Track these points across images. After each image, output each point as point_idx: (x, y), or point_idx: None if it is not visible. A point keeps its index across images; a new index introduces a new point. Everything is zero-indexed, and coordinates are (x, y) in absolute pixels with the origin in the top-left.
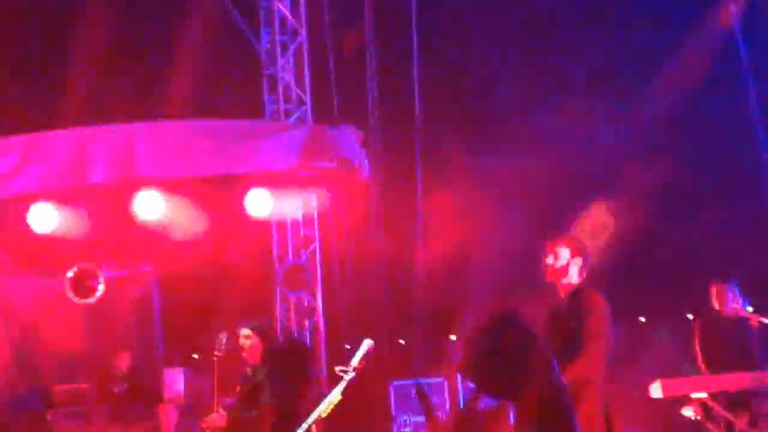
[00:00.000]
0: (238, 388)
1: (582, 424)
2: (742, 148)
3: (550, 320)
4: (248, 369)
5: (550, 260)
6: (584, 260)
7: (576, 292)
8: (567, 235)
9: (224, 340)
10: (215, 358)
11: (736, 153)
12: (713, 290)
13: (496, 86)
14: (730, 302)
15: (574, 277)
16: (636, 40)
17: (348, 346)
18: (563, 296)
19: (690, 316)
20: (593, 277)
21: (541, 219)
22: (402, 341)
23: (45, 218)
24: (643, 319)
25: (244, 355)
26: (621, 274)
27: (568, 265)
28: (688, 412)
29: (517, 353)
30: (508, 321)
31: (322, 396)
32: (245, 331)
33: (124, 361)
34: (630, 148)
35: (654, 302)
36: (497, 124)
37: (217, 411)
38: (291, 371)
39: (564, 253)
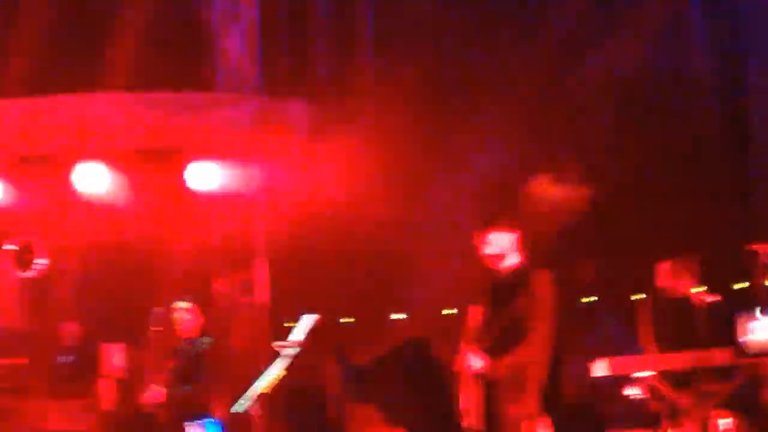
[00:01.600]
0: (172, 363)
1: (538, 403)
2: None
3: (492, 297)
4: (182, 343)
5: (487, 250)
6: (519, 234)
7: (520, 270)
8: (495, 219)
9: (160, 315)
10: (153, 334)
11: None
12: (660, 268)
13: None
14: (677, 280)
15: (513, 256)
16: None
17: (292, 323)
18: (504, 273)
19: (635, 296)
20: (536, 255)
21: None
22: (349, 320)
23: None
24: (585, 300)
25: (179, 329)
26: (564, 254)
27: (501, 250)
28: (632, 390)
29: None
30: None
31: (263, 372)
32: (184, 305)
33: (72, 332)
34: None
35: (597, 282)
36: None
37: (154, 387)
38: None
39: (497, 238)
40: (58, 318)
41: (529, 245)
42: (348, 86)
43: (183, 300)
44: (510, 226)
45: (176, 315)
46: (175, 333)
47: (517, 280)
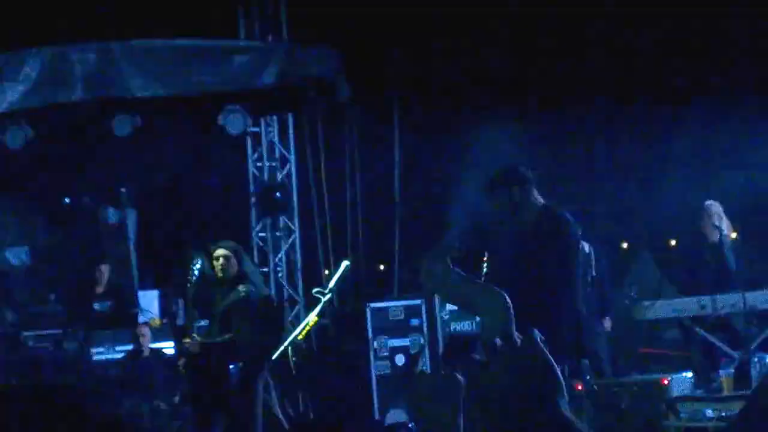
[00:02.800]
0: (211, 310)
1: (553, 342)
2: None
3: (517, 242)
4: (219, 291)
5: (497, 207)
6: (523, 184)
7: (541, 213)
8: (496, 178)
9: (198, 267)
10: (189, 285)
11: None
12: (701, 210)
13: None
14: (715, 222)
15: (525, 203)
16: None
17: (326, 271)
18: (530, 222)
19: (672, 241)
20: (576, 200)
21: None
22: (381, 266)
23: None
24: (625, 245)
25: (219, 276)
26: (605, 199)
27: (512, 202)
28: (669, 334)
29: None
30: None
31: (298, 319)
32: (222, 252)
33: (104, 274)
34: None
35: (635, 227)
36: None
37: (191, 336)
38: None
39: (501, 194)
40: (98, 260)
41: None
42: (376, 32)
43: (221, 246)
44: (509, 179)
45: (215, 261)
46: (213, 280)
47: (539, 222)
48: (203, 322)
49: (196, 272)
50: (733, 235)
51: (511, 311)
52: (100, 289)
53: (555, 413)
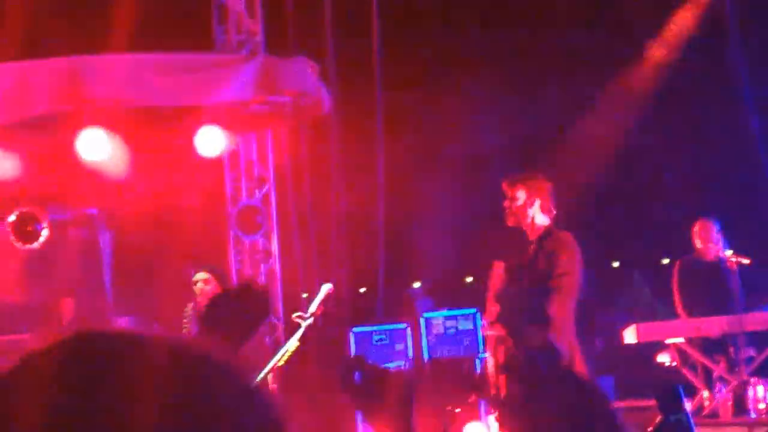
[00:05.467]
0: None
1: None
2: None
3: (515, 265)
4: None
5: (507, 203)
6: (544, 200)
7: (545, 234)
8: (524, 175)
9: (191, 312)
10: (184, 327)
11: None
12: (697, 227)
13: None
14: (714, 240)
15: (537, 217)
16: None
17: (305, 294)
18: (532, 239)
19: (665, 261)
20: (564, 220)
21: (506, 162)
22: (363, 289)
23: None
24: (616, 264)
25: (200, 301)
26: (594, 219)
27: (525, 206)
28: (664, 358)
29: None
30: None
31: (279, 344)
32: (202, 275)
33: (67, 310)
34: None
35: (628, 246)
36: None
37: None
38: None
39: (520, 194)
40: (61, 292)
41: (554, 208)
42: (358, 50)
43: (200, 271)
44: (535, 188)
45: (195, 287)
46: (198, 306)
47: (541, 242)
48: None
49: (189, 314)
50: (729, 251)
51: None
52: (63, 322)
53: None
